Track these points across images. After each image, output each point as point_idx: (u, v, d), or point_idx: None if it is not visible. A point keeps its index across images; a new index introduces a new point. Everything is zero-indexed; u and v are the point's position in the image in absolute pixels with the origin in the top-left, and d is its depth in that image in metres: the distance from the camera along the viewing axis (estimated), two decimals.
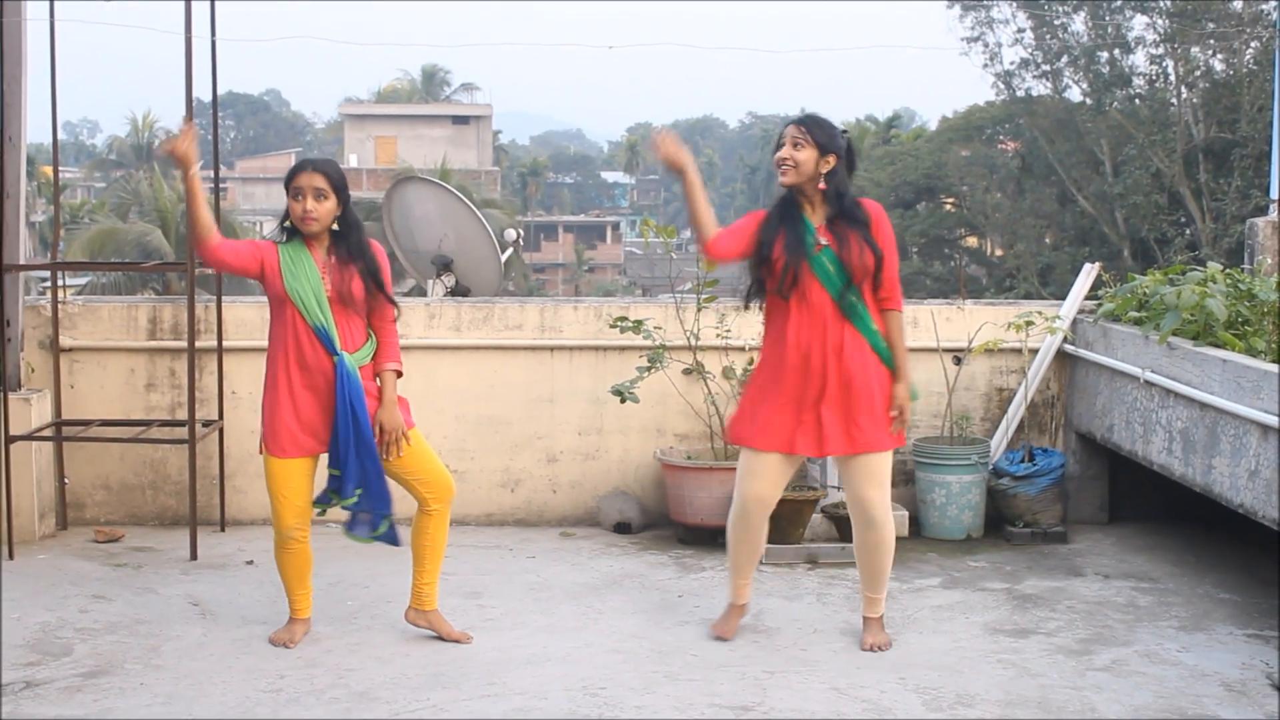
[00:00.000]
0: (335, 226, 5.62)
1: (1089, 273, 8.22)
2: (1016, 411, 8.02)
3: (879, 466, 5.68)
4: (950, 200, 43.02)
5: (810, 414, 5.60)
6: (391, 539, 5.78)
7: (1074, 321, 8.02)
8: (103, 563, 7.12)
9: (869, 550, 5.80)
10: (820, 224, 5.62)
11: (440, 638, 5.83)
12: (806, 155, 5.59)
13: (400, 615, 6.03)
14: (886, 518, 5.73)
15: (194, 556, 7.17)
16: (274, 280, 5.56)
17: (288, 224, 5.63)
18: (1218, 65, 33.85)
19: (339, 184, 5.60)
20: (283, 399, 5.58)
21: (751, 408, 5.74)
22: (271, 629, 5.93)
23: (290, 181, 5.57)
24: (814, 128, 5.63)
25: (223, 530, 7.78)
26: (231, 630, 5.99)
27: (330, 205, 5.57)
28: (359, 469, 5.58)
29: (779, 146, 5.69)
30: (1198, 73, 33.65)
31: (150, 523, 7.96)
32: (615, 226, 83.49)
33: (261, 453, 5.67)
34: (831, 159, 5.61)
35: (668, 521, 7.79)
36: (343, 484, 5.60)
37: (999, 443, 7.99)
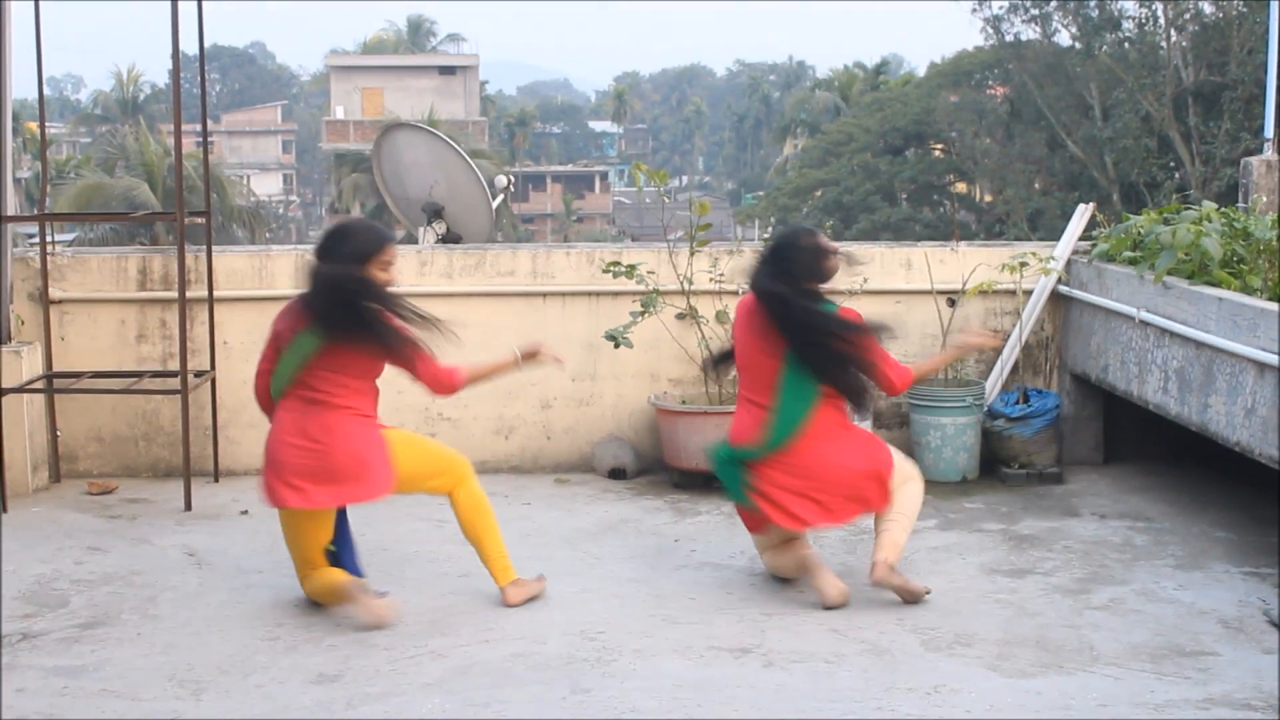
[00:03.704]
0: None
1: (1083, 213, 8.19)
2: (1011, 353, 8.00)
3: None
4: (939, 146, 42.93)
5: None
6: None
7: (1068, 262, 7.99)
8: (97, 515, 7.10)
9: None
10: None
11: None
12: None
13: (394, 562, 6.03)
14: None
15: (188, 507, 7.16)
16: None
17: None
18: (1207, 8, 33.69)
19: None
20: None
21: None
22: (267, 577, 5.92)
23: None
24: None
25: (216, 481, 7.75)
26: (228, 580, 5.98)
27: None
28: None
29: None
30: (1187, 15, 33.51)
31: (143, 474, 7.93)
32: (603, 176, 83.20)
33: None
34: None
35: (662, 466, 7.78)
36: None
37: (994, 384, 7.97)
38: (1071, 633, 5.31)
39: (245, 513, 7.09)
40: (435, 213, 8.70)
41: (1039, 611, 5.55)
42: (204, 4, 7.69)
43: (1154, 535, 6.63)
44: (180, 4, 7.17)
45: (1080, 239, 8.11)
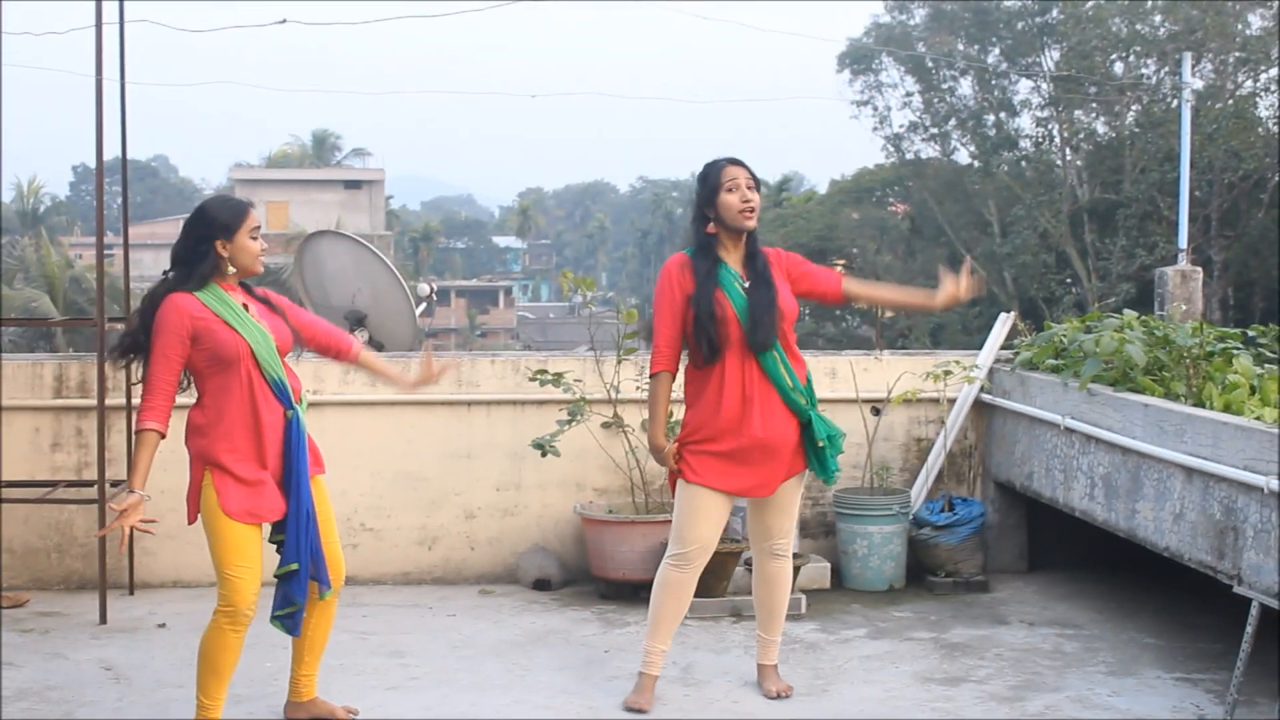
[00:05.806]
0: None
1: (1004, 322, 8.30)
2: (935, 461, 8.04)
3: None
4: (842, 261, 43.45)
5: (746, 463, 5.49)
6: (294, 625, 5.21)
7: (991, 371, 8.07)
8: (8, 629, 6.87)
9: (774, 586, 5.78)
10: (740, 270, 5.50)
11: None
12: (757, 198, 5.50)
13: (320, 675, 5.87)
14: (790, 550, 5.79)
15: (104, 620, 6.95)
16: (222, 338, 5.00)
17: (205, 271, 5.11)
18: (1100, 128, 34.68)
19: None
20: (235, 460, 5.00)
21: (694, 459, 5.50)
22: (188, 692, 5.67)
23: (241, 222, 5.31)
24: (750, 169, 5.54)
25: (132, 594, 7.55)
26: (147, 694, 5.80)
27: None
28: (305, 538, 5.04)
29: (719, 189, 5.41)
30: (1081, 135, 34.45)
31: (56, 587, 7.71)
32: (508, 291, 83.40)
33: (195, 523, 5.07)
34: None
35: (588, 577, 7.69)
36: (287, 552, 5.06)
37: (919, 492, 8.00)
38: None
39: (163, 626, 6.90)
40: (358, 321, 8.64)
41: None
42: (115, 112, 7.64)
43: (1083, 642, 6.64)
44: (89, 112, 7.11)
45: (1002, 347, 8.20)
